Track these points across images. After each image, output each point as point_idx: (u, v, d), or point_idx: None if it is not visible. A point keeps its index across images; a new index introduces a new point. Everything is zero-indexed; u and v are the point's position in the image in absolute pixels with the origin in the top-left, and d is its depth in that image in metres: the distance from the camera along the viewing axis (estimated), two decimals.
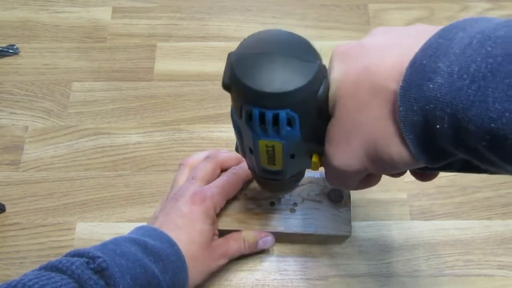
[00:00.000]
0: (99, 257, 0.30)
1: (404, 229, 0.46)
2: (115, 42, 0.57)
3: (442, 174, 0.49)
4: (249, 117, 0.23)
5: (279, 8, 0.59)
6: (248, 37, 0.24)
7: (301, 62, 0.23)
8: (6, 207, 0.47)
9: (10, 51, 0.56)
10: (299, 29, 0.57)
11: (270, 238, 0.42)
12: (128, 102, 0.53)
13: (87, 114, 0.52)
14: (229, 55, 0.24)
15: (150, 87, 0.54)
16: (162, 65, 0.55)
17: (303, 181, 0.41)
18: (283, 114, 0.22)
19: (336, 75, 0.23)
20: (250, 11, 0.59)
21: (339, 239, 0.44)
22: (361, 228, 0.46)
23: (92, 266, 0.30)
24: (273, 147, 0.25)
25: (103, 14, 0.58)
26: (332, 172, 0.27)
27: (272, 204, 0.42)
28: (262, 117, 0.23)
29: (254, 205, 0.42)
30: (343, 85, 0.23)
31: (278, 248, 0.46)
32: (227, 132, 0.51)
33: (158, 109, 0.52)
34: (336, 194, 0.42)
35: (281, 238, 0.43)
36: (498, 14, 0.57)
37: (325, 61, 0.26)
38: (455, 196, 0.47)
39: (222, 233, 0.41)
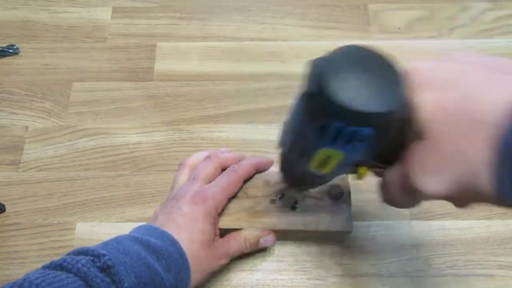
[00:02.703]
0: (104, 255, 0.30)
1: (404, 229, 0.46)
2: (115, 42, 0.57)
3: None
4: (324, 127, 0.23)
5: (279, 8, 0.59)
6: (338, 49, 0.24)
7: (391, 83, 0.23)
8: (6, 207, 0.47)
9: (10, 51, 0.56)
10: (299, 29, 0.57)
11: (271, 237, 0.42)
12: (128, 102, 0.53)
13: (87, 114, 0.52)
14: (314, 64, 0.24)
15: (150, 87, 0.54)
16: (162, 65, 0.55)
17: None
18: (362, 131, 0.22)
19: (429, 100, 0.23)
20: (250, 11, 0.59)
21: (341, 235, 0.44)
22: (361, 228, 0.46)
23: (98, 264, 0.29)
24: (332, 156, 0.25)
25: (103, 14, 0.58)
26: (404, 191, 0.27)
27: (273, 202, 0.42)
28: (339, 130, 0.23)
29: (255, 203, 0.42)
30: (440, 112, 0.23)
31: (278, 248, 0.46)
32: (227, 132, 0.51)
33: (158, 109, 0.52)
34: (336, 191, 0.42)
35: (282, 236, 0.43)
36: (498, 14, 0.57)
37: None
38: None
39: (223, 233, 0.41)
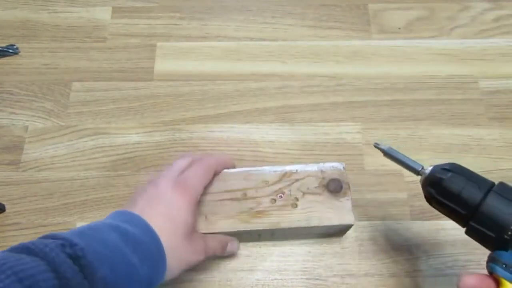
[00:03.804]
0: (76, 244, 0.29)
1: (404, 229, 0.46)
2: (115, 42, 0.57)
3: None
4: None
5: (279, 8, 0.59)
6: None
7: None
8: (6, 207, 0.47)
9: (10, 51, 0.56)
10: (299, 29, 0.57)
11: (236, 242, 0.43)
12: (128, 102, 0.53)
13: (87, 114, 0.52)
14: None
15: (150, 87, 0.54)
16: (162, 65, 0.55)
17: (300, 175, 0.42)
18: None
19: None
20: (250, 11, 0.59)
21: (343, 229, 0.44)
22: (361, 228, 0.46)
23: (68, 251, 0.28)
24: None
25: (103, 14, 0.58)
26: None
27: (273, 201, 0.42)
28: None
29: (255, 204, 0.41)
30: None
31: (278, 248, 0.46)
32: (227, 132, 0.51)
33: (158, 109, 0.52)
34: (335, 185, 0.42)
35: (284, 235, 0.44)
36: (498, 14, 0.57)
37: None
38: None
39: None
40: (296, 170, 0.43)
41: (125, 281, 0.31)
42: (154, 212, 0.35)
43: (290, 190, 0.42)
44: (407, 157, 0.36)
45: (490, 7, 0.58)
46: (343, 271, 0.45)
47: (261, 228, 0.41)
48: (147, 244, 0.33)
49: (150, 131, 0.51)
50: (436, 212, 0.47)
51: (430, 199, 0.34)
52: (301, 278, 0.44)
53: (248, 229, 0.41)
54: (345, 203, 0.41)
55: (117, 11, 0.59)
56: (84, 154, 0.50)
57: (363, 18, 0.58)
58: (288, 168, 0.43)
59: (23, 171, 0.49)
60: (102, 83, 0.54)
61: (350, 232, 0.46)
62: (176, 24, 0.58)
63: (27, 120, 0.52)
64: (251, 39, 0.57)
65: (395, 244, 0.46)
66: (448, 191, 0.32)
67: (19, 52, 0.56)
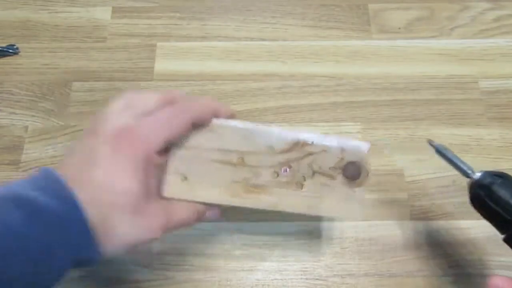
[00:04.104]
0: None
1: (404, 229, 0.46)
2: (115, 42, 0.57)
3: (441, 174, 0.49)
4: None
5: (279, 8, 0.59)
6: None
7: None
8: None
9: (10, 51, 0.56)
10: (299, 29, 0.57)
11: (217, 211, 0.36)
12: None
13: (87, 114, 0.52)
14: None
15: (150, 87, 0.54)
16: (162, 65, 0.55)
17: (315, 148, 0.34)
18: None
19: None
20: (250, 11, 0.59)
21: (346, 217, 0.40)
22: (361, 228, 0.46)
23: None
24: None
25: (103, 14, 0.58)
26: None
27: (276, 175, 0.34)
28: None
29: (253, 174, 0.34)
30: None
31: (278, 247, 0.46)
32: None
33: None
34: (354, 170, 0.35)
35: (279, 213, 0.38)
36: (498, 14, 0.57)
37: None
38: (455, 196, 0.47)
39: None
40: (312, 142, 0.34)
41: (29, 268, 0.25)
42: (84, 175, 0.28)
43: (299, 165, 0.34)
44: (459, 158, 0.36)
45: (490, 7, 0.58)
46: (343, 271, 0.45)
47: (254, 207, 0.34)
48: (67, 223, 0.26)
49: None
50: (437, 212, 0.47)
51: (476, 201, 0.35)
52: (301, 278, 0.44)
53: (238, 205, 0.34)
54: (358, 194, 0.35)
55: (117, 11, 0.59)
56: None
57: (363, 18, 0.58)
58: (302, 136, 0.34)
59: (23, 171, 0.49)
60: (102, 83, 0.54)
61: (350, 232, 0.46)
62: (176, 24, 0.58)
63: (27, 120, 0.52)
64: (251, 39, 0.57)
65: (395, 244, 0.46)
66: (497, 195, 0.33)
67: (19, 52, 0.56)
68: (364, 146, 0.34)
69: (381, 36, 0.56)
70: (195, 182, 0.33)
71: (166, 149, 0.32)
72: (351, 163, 0.34)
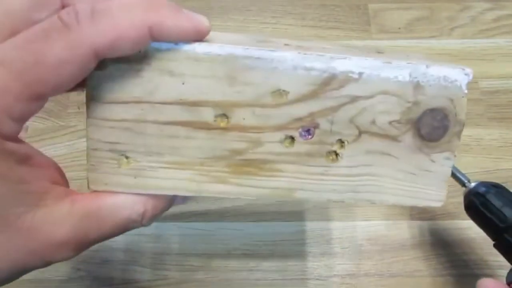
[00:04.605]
0: None
1: (404, 229, 0.46)
2: None
3: None
4: None
5: (279, 8, 0.59)
6: None
7: None
8: None
9: None
10: (299, 29, 0.57)
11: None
12: None
13: None
14: None
15: None
16: None
17: (364, 87, 0.20)
18: None
19: None
20: (250, 11, 0.59)
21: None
22: (361, 228, 0.46)
23: None
24: None
25: None
26: None
27: (290, 142, 0.21)
28: None
29: (248, 143, 0.20)
30: None
31: (278, 248, 0.46)
32: None
33: None
34: (436, 122, 0.21)
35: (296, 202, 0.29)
36: (498, 14, 0.57)
37: None
38: (455, 196, 0.47)
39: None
40: (360, 73, 0.20)
41: None
42: None
43: (332, 121, 0.20)
44: (456, 168, 0.37)
45: (490, 7, 0.58)
46: (343, 271, 0.45)
47: (253, 197, 0.22)
48: None
49: None
50: (437, 212, 0.47)
51: (470, 208, 0.37)
52: (301, 278, 0.44)
53: (224, 196, 0.21)
54: (442, 165, 0.22)
55: None
56: (84, 154, 0.50)
57: (363, 18, 0.58)
58: (341, 64, 0.19)
59: None
60: None
61: (350, 232, 0.46)
62: None
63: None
64: None
65: (396, 244, 0.46)
66: (491, 203, 0.35)
67: None
68: (461, 76, 0.20)
69: (381, 36, 0.56)
70: (143, 162, 0.20)
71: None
72: (434, 112, 0.20)
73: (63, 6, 0.19)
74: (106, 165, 0.21)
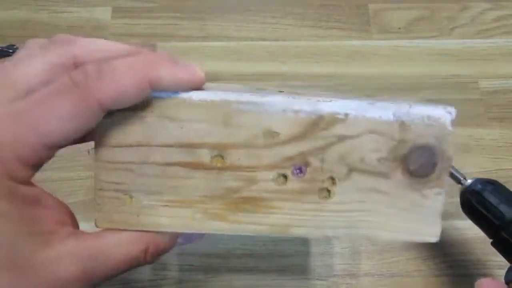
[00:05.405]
0: None
1: None
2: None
3: None
4: None
5: (279, 8, 0.59)
6: None
7: None
8: None
9: (10, 51, 0.56)
10: (299, 29, 0.57)
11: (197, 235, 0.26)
12: None
13: None
14: None
15: None
16: None
17: (351, 127, 0.21)
18: None
19: None
20: (250, 10, 0.59)
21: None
22: None
23: None
24: None
25: (103, 14, 0.58)
26: None
27: (282, 179, 0.21)
28: None
29: (243, 181, 0.21)
30: None
31: (278, 248, 0.46)
32: None
33: None
34: (425, 160, 0.21)
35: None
36: (498, 14, 0.57)
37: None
38: (455, 196, 0.47)
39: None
40: (346, 114, 0.21)
41: None
42: None
43: (323, 160, 0.21)
44: (452, 166, 0.36)
45: (490, 7, 0.58)
46: (343, 271, 0.45)
47: (251, 234, 0.22)
48: None
49: None
50: None
51: (467, 206, 0.36)
52: (301, 278, 0.44)
53: (223, 233, 0.22)
54: (434, 200, 0.22)
55: (117, 11, 0.59)
56: (84, 154, 0.50)
57: (363, 18, 0.58)
58: (327, 106, 0.21)
59: None
60: None
61: None
62: (176, 24, 0.58)
63: None
64: (251, 39, 0.57)
65: (395, 244, 0.45)
66: (487, 201, 0.34)
67: None
68: (444, 115, 0.20)
69: (381, 36, 0.56)
70: (145, 201, 0.21)
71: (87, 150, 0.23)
72: (420, 149, 0.21)
73: (76, 67, 0.21)
74: (111, 204, 0.22)
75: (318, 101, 0.21)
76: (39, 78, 0.20)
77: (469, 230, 0.46)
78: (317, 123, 0.21)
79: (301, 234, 0.22)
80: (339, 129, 0.21)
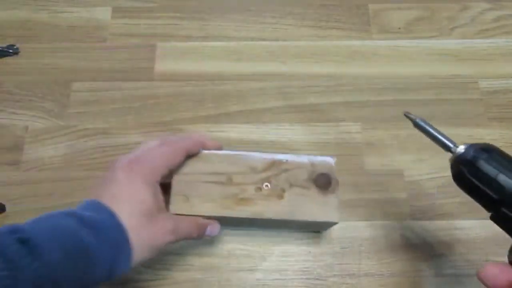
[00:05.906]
0: (23, 229, 0.30)
1: (404, 229, 0.46)
2: (115, 42, 0.57)
3: (441, 174, 0.49)
4: None
5: (279, 8, 0.59)
6: None
7: None
8: (6, 207, 0.47)
9: (10, 51, 0.56)
10: (299, 29, 0.57)
11: (217, 226, 0.41)
12: (128, 102, 0.53)
13: (87, 114, 0.52)
14: None
15: (150, 87, 0.54)
16: (162, 65, 0.55)
17: (289, 165, 0.41)
18: None
19: None
20: (250, 11, 0.59)
21: (326, 225, 0.43)
22: (361, 228, 0.46)
23: (16, 236, 0.29)
24: None
25: (103, 14, 0.58)
26: None
27: (259, 190, 0.40)
28: None
29: (239, 190, 0.40)
30: None
31: (278, 247, 0.46)
32: (227, 132, 0.51)
33: (158, 109, 0.52)
34: (324, 180, 0.41)
35: (265, 224, 0.43)
36: (498, 14, 0.57)
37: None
38: (455, 196, 0.47)
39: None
40: (286, 160, 0.41)
41: (81, 263, 0.31)
42: (108, 193, 0.35)
43: (277, 180, 0.41)
44: (439, 131, 0.33)
45: (490, 7, 0.58)
46: (343, 271, 0.45)
47: (243, 216, 0.39)
48: (106, 226, 0.33)
49: (150, 131, 0.51)
50: (436, 212, 0.47)
51: (459, 178, 0.31)
52: (301, 278, 0.44)
53: (230, 216, 0.40)
54: (332, 200, 0.40)
55: (117, 11, 0.59)
56: (84, 154, 0.50)
57: (363, 18, 0.58)
58: (278, 157, 0.41)
59: (24, 171, 0.49)
60: (102, 83, 0.54)
61: (349, 232, 0.46)
62: (176, 24, 0.58)
63: (27, 120, 0.52)
64: (251, 39, 0.57)
65: (395, 244, 0.46)
66: (483, 173, 0.29)
67: (19, 52, 0.56)
68: (330, 159, 0.41)
69: (381, 36, 0.57)
70: (194, 200, 0.40)
71: (169, 176, 0.40)
72: (322, 175, 0.41)
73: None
74: (179, 201, 0.40)
75: (275, 154, 0.42)
76: (154, 144, 0.40)
77: (470, 230, 0.46)
78: (274, 163, 0.41)
79: (270, 217, 0.40)
80: (284, 166, 0.41)
